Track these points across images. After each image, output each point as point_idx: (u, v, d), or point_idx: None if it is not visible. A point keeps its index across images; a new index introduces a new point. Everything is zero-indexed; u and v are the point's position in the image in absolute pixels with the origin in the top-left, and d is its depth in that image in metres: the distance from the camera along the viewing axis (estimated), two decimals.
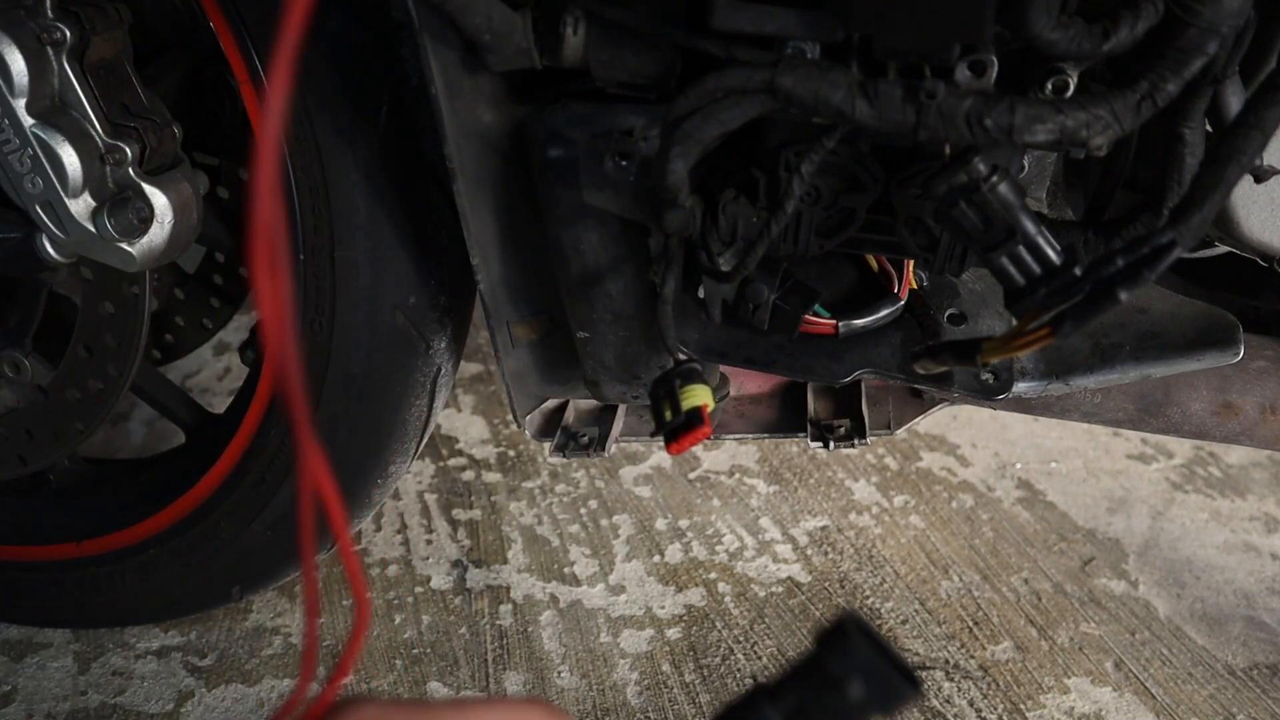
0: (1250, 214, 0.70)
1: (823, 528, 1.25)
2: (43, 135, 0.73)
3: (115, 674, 1.07)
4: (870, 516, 1.27)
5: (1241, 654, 1.09)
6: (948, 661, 1.06)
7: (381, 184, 0.82)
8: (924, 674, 1.05)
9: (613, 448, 0.95)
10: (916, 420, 0.91)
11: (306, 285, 0.86)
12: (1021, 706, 1.02)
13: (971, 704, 1.02)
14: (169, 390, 1.06)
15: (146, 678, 1.06)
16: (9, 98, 0.71)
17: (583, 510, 1.30)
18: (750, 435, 0.98)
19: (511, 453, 1.40)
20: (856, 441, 0.90)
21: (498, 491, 1.33)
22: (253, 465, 0.95)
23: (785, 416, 0.97)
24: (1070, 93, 0.55)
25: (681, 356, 0.82)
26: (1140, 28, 0.51)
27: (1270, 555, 1.23)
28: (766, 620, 1.12)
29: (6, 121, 0.72)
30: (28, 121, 0.72)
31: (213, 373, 1.57)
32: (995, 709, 1.01)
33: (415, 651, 1.10)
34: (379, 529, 1.25)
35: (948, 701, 1.02)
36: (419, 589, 1.18)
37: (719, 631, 1.11)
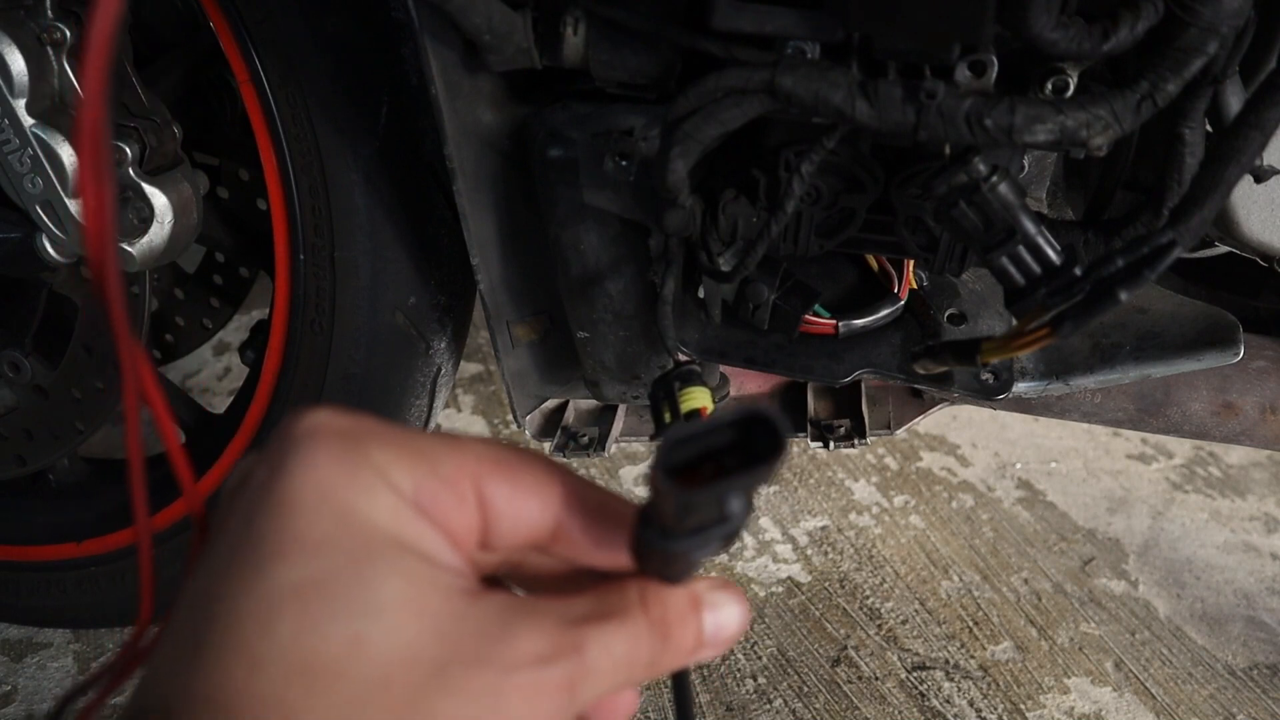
0: (1250, 214, 0.70)
1: (823, 528, 1.25)
2: (43, 135, 0.73)
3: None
4: (870, 516, 1.27)
5: (1241, 654, 1.09)
6: (948, 661, 1.06)
7: (381, 184, 0.82)
8: (924, 674, 1.05)
9: (613, 448, 0.95)
10: (916, 420, 0.91)
11: (306, 285, 0.86)
12: (1021, 706, 1.02)
13: (971, 704, 1.02)
14: (170, 391, 1.06)
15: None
16: (9, 98, 0.71)
17: None
18: None
19: None
20: (856, 441, 0.90)
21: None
22: None
23: (785, 416, 0.97)
24: (1070, 93, 0.55)
25: (681, 357, 0.82)
26: (1140, 28, 0.51)
27: (1270, 555, 1.23)
28: (766, 620, 1.12)
29: (6, 121, 0.72)
30: (28, 121, 0.72)
31: (213, 373, 1.57)
32: (995, 709, 1.01)
33: None
34: None
35: (948, 701, 1.02)
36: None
37: None
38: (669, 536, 0.31)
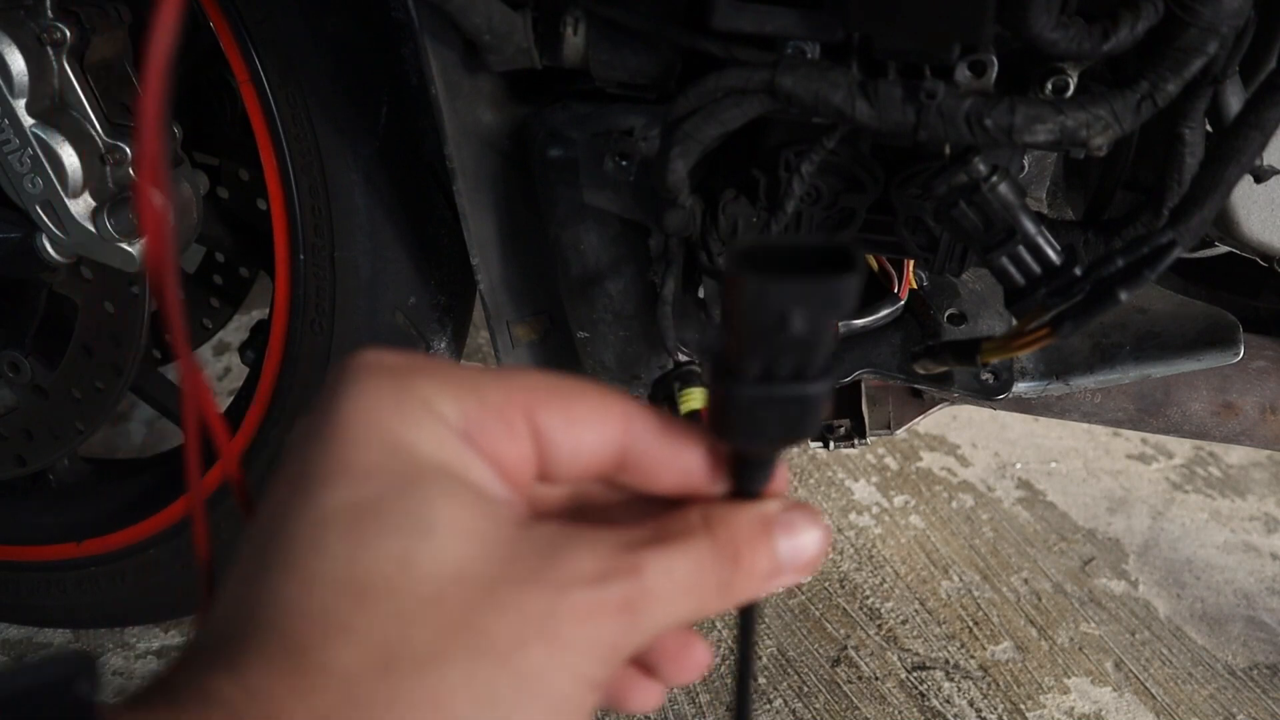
0: (1250, 214, 0.70)
1: None
2: (43, 135, 0.73)
3: (115, 674, 1.07)
4: (870, 516, 1.27)
5: (1241, 654, 1.09)
6: (948, 661, 1.06)
7: (381, 184, 0.82)
8: (924, 674, 1.05)
9: None
10: (916, 420, 0.91)
11: (306, 285, 0.86)
12: (1021, 706, 1.02)
13: (971, 704, 1.02)
14: (169, 390, 1.06)
15: (147, 678, 1.06)
16: (9, 98, 0.71)
17: None
18: None
19: None
20: (856, 441, 0.90)
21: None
22: (253, 465, 0.95)
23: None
24: (1070, 93, 0.55)
25: (681, 357, 0.82)
26: (1140, 27, 0.51)
27: (1270, 555, 1.23)
28: (766, 620, 1.12)
29: (6, 121, 0.72)
30: (28, 121, 0.72)
31: (213, 373, 1.57)
32: (995, 709, 1.01)
33: None
34: None
35: (948, 701, 1.02)
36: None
37: (719, 631, 1.11)
38: (737, 378, 0.30)
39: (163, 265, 0.28)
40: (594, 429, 0.32)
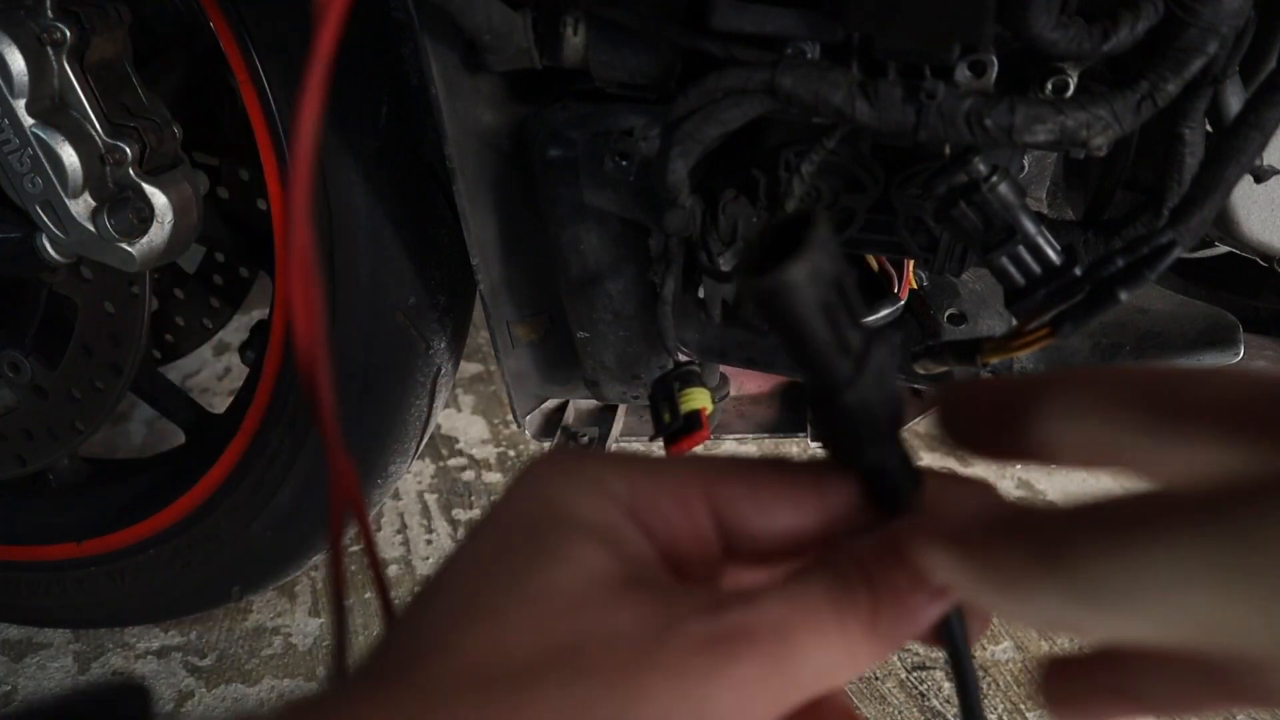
0: (1250, 214, 0.70)
1: None
2: (43, 135, 0.72)
3: (115, 674, 1.07)
4: None
5: None
6: (948, 661, 1.06)
7: (381, 184, 0.82)
8: (924, 674, 1.05)
9: (613, 448, 0.95)
10: (916, 420, 0.91)
11: None
12: (1021, 706, 1.01)
13: None
14: (169, 390, 1.06)
15: (146, 678, 1.06)
16: (9, 97, 0.71)
17: None
18: (750, 435, 0.98)
19: (511, 453, 1.40)
20: None
21: (498, 491, 1.33)
22: (253, 465, 0.95)
23: (785, 416, 0.97)
24: (1070, 93, 0.55)
25: (682, 357, 0.82)
26: (1140, 27, 0.51)
27: None
28: None
29: (6, 121, 0.72)
30: (28, 121, 0.72)
31: (213, 373, 1.57)
32: (995, 709, 1.01)
33: None
34: (379, 529, 1.25)
35: (948, 701, 1.02)
36: (418, 588, 1.18)
37: None
38: (838, 381, 0.28)
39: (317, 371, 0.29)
40: (786, 507, 0.30)
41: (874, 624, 0.28)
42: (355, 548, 1.17)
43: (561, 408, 0.98)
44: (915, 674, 1.05)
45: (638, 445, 1.36)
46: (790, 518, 0.30)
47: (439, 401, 0.97)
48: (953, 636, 0.31)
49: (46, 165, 0.73)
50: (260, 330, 0.95)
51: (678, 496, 0.30)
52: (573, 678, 0.26)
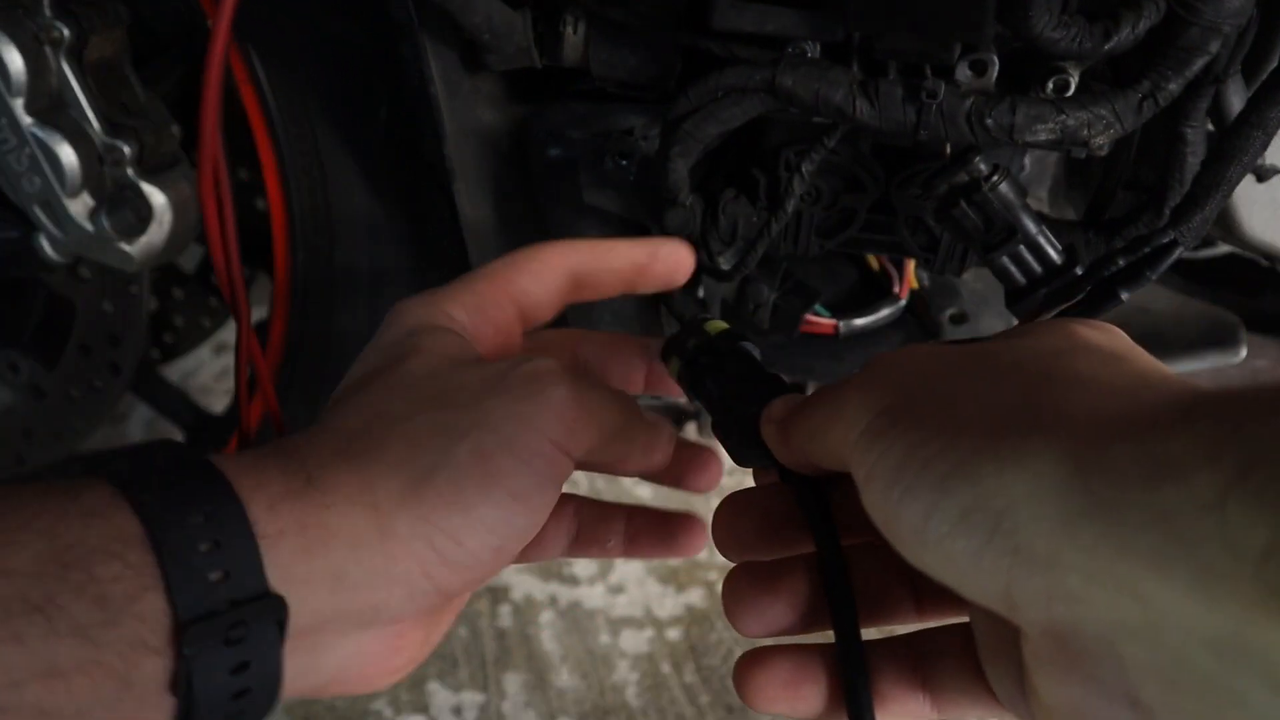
0: (1252, 213, 0.70)
1: None
2: (41, 134, 0.72)
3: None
4: None
5: None
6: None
7: (381, 184, 0.82)
8: None
9: None
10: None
11: (306, 285, 0.86)
12: None
13: None
14: (167, 390, 1.05)
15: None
16: (6, 97, 0.71)
17: None
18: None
19: None
20: None
21: None
22: None
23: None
24: (1071, 92, 0.55)
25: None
26: (1142, 27, 0.51)
27: None
28: None
29: (4, 120, 0.72)
30: (25, 120, 0.72)
31: (212, 373, 1.57)
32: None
33: None
34: None
35: None
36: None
37: (719, 632, 1.11)
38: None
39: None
40: (549, 273, 0.47)
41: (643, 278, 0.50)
42: None
43: None
44: None
45: None
46: (555, 279, 0.47)
47: None
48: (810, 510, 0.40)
49: (44, 164, 0.73)
50: (260, 330, 0.95)
51: (497, 302, 0.46)
52: (439, 410, 0.38)
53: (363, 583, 0.35)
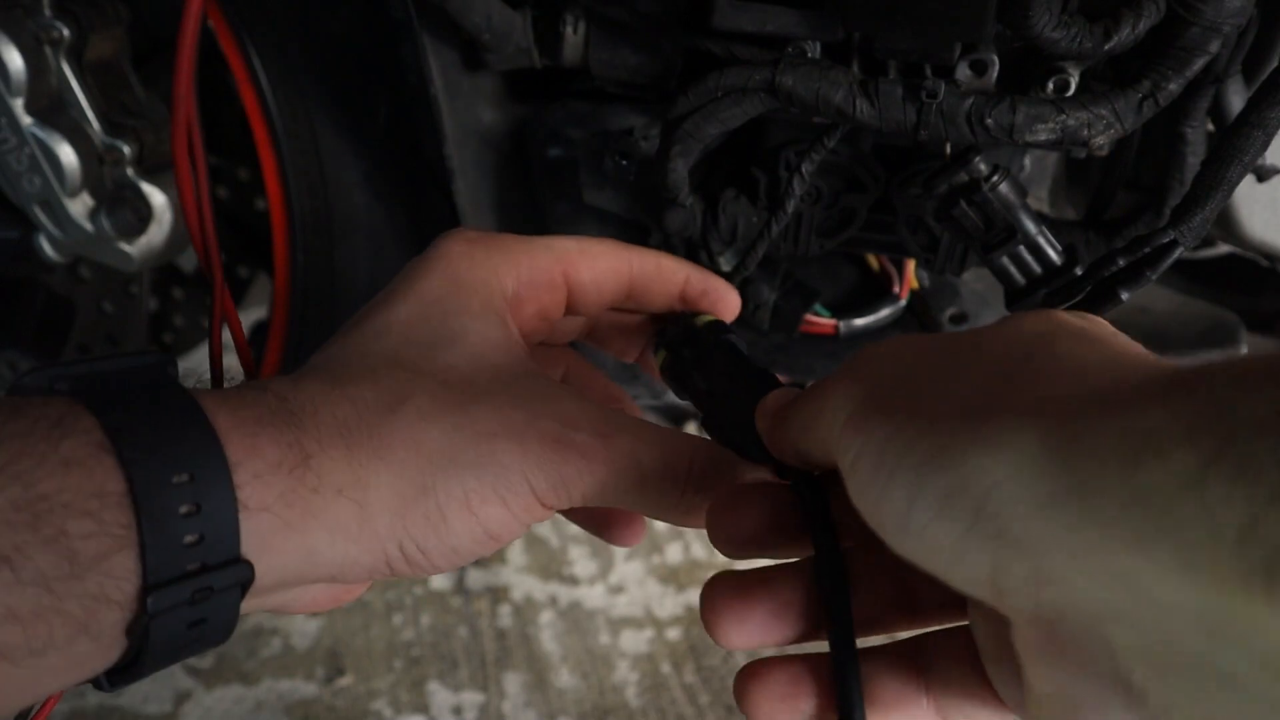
0: (1252, 213, 0.70)
1: None
2: (40, 134, 0.72)
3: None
4: None
5: None
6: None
7: (381, 184, 0.82)
8: None
9: None
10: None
11: (306, 285, 0.86)
12: None
13: None
14: None
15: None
16: (6, 97, 0.71)
17: None
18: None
19: None
20: None
21: None
22: None
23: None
24: (1072, 92, 0.55)
25: None
26: (1142, 26, 0.51)
27: None
28: None
29: (4, 120, 0.72)
30: (25, 120, 0.72)
31: None
32: None
33: (414, 652, 1.10)
34: None
35: None
36: (418, 589, 1.18)
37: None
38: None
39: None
40: (611, 275, 0.47)
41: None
42: None
43: None
44: None
45: None
46: (612, 281, 0.48)
47: None
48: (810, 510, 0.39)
49: (44, 164, 0.73)
50: (260, 330, 0.95)
51: (549, 278, 0.46)
52: (454, 430, 0.39)
53: (331, 561, 0.37)
